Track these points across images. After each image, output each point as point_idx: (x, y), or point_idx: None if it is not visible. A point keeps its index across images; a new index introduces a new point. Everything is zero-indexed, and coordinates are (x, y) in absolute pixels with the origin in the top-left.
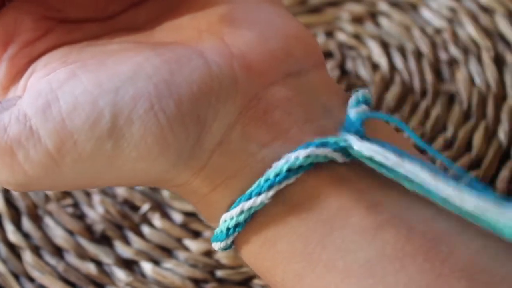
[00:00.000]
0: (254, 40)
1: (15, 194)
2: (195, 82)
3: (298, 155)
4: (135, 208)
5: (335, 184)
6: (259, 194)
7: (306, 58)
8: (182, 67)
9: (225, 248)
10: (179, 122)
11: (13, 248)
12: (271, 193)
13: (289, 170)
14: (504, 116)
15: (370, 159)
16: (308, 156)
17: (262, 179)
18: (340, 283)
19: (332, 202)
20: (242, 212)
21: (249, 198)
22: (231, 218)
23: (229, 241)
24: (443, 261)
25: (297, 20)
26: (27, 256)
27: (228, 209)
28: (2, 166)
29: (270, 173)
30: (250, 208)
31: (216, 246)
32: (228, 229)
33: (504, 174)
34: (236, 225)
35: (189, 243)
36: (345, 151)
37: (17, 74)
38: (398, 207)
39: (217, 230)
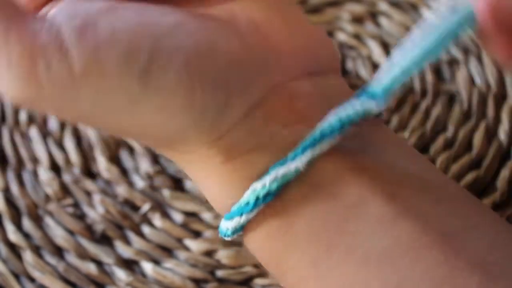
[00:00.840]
0: (285, 34)
1: (16, 194)
2: (232, 52)
3: (331, 121)
4: (136, 208)
5: (356, 172)
6: (293, 159)
7: (328, 62)
8: (221, 35)
9: (233, 232)
10: (210, 84)
11: (13, 248)
12: (305, 158)
13: (323, 136)
14: (504, 116)
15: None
16: (344, 118)
17: (299, 147)
18: (357, 271)
19: (353, 190)
20: (275, 179)
21: (284, 163)
22: (263, 186)
23: (251, 215)
24: (457, 254)
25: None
26: (28, 256)
27: (238, 187)
28: (18, 71)
29: (306, 141)
30: (284, 175)
31: (228, 225)
32: (257, 199)
33: (504, 174)
34: (266, 195)
35: (190, 243)
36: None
37: None
38: (414, 200)
39: (240, 202)
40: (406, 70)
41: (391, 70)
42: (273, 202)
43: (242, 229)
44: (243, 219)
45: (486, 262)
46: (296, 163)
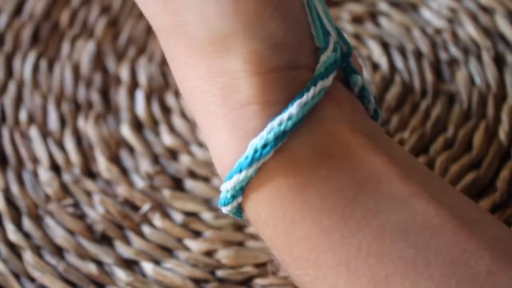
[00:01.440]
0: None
1: (16, 194)
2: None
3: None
4: (136, 208)
5: (369, 149)
6: (287, 110)
7: None
8: None
9: (233, 196)
10: (273, 11)
11: (13, 248)
12: (298, 107)
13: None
14: (504, 116)
15: None
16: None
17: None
18: (372, 241)
19: (365, 165)
20: (272, 129)
21: (279, 115)
22: (260, 138)
23: (251, 171)
24: (468, 237)
25: None
26: (28, 256)
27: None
28: None
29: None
30: (280, 123)
31: (228, 185)
32: (255, 151)
33: (504, 174)
34: (264, 146)
35: (190, 243)
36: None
37: None
38: (426, 184)
39: (240, 158)
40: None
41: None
42: (278, 161)
43: (242, 191)
44: (242, 175)
45: (496, 247)
46: (290, 112)
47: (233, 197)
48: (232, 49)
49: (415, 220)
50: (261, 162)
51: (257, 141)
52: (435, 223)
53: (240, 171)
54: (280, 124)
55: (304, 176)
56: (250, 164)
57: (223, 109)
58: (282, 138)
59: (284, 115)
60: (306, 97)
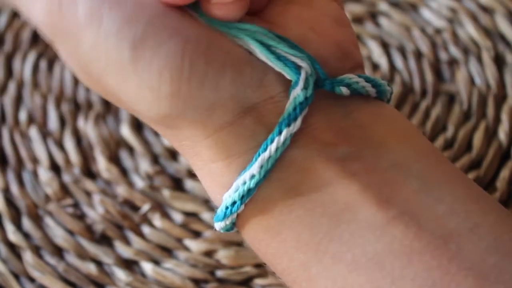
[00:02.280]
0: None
1: (16, 194)
2: (231, 57)
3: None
4: (135, 208)
5: (344, 177)
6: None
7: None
8: (227, 43)
9: (228, 227)
10: (199, 80)
11: (13, 248)
12: (289, 131)
13: (294, 109)
14: (504, 116)
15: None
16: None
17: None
18: (347, 275)
19: (340, 196)
20: (261, 167)
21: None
22: (252, 176)
23: (230, 219)
24: (450, 259)
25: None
26: (27, 256)
27: (230, 185)
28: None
29: (284, 116)
30: (269, 158)
31: (220, 225)
32: (233, 203)
33: (504, 174)
34: (249, 190)
35: (189, 243)
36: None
37: None
38: (408, 204)
39: (226, 203)
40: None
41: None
42: (252, 209)
43: (232, 228)
44: (222, 224)
45: (482, 266)
46: (251, 172)
47: (228, 230)
48: (176, 124)
49: (392, 247)
50: (235, 215)
51: (226, 198)
52: (414, 247)
53: (222, 219)
54: (244, 183)
55: (278, 219)
56: (224, 217)
57: (198, 164)
58: (248, 195)
59: (247, 175)
60: (269, 151)
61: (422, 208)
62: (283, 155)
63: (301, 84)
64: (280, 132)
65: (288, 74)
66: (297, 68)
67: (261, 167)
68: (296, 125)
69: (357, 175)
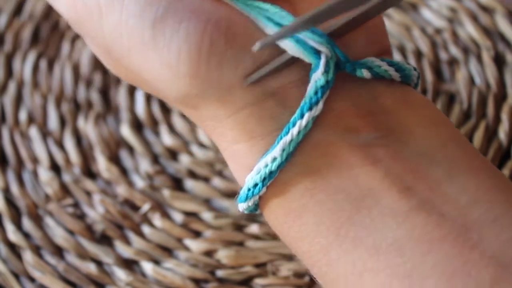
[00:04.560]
0: None
1: (16, 194)
2: (251, 39)
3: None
4: (136, 208)
5: (367, 163)
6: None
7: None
8: (247, 24)
9: (251, 208)
10: (218, 60)
11: (13, 248)
12: (312, 114)
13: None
14: (504, 116)
15: None
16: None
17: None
18: (367, 259)
19: (363, 182)
20: (283, 150)
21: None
22: (273, 159)
23: (253, 200)
24: (471, 248)
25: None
26: (28, 256)
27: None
28: None
29: (306, 98)
30: (291, 141)
31: (243, 206)
32: (255, 185)
33: (504, 173)
34: (271, 172)
35: (190, 243)
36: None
37: None
38: (430, 193)
39: (248, 184)
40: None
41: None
42: (273, 193)
43: (256, 209)
44: (245, 205)
45: (504, 257)
46: (273, 155)
47: (250, 210)
48: (197, 103)
49: (413, 234)
50: (257, 197)
51: (248, 180)
52: (435, 235)
53: (244, 201)
54: (266, 165)
55: (300, 203)
56: (246, 199)
57: (222, 145)
58: (270, 177)
59: (268, 157)
60: (291, 135)
61: (445, 197)
62: (306, 139)
63: (321, 68)
64: (302, 116)
65: (307, 58)
66: (316, 53)
67: (283, 150)
68: (318, 109)
69: (381, 162)
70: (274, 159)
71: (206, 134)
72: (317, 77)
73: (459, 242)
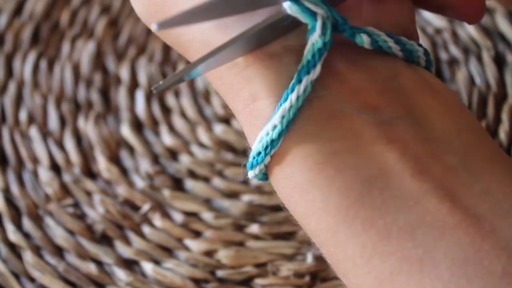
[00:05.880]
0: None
1: (16, 194)
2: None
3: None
4: (136, 208)
5: (381, 143)
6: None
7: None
8: None
9: (259, 177)
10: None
11: (13, 248)
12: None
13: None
14: (504, 116)
15: None
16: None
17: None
18: (378, 242)
19: (375, 161)
20: (283, 117)
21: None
22: (274, 127)
23: (260, 167)
24: (484, 237)
25: None
26: (28, 256)
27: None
28: None
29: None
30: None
31: (251, 173)
32: (258, 154)
33: None
34: (272, 140)
35: (190, 243)
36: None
37: None
38: (444, 179)
39: (253, 152)
40: None
41: None
42: (278, 163)
43: (266, 177)
44: (252, 173)
45: None
46: (273, 122)
47: (258, 178)
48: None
49: (425, 219)
50: (262, 165)
51: (254, 148)
52: (447, 222)
53: (251, 168)
54: (267, 133)
55: (307, 176)
56: (252, 167)
57: (239, 106)
58: (272, 146)
59: (269, 125)
60: (290, 101)
61: (458, 184)
62: (322, 108)
63: (318, 30)
64: (300, 81)
65: (304, 19)
66: (312, 15)
67: (283, 117)
68: (315, 72)
69: (396, 143)
70: (275, 126)
71: (223, 97)
72: (314, 39)
73: (471, 231)
